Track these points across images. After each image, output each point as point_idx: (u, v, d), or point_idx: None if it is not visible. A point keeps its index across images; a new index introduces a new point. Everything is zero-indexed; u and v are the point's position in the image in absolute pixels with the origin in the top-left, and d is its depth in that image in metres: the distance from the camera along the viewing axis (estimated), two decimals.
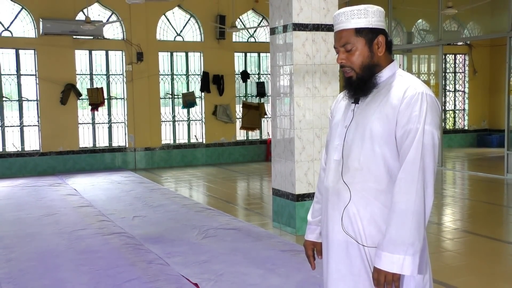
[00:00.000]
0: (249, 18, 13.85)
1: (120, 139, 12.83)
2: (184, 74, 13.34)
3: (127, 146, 12.70)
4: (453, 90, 16.10)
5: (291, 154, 6.44)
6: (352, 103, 2.13)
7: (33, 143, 12.07)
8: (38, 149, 11.98)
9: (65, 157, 12.10)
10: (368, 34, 2.06)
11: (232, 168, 12.58)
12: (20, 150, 11.89)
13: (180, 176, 11.63)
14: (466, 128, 16.29)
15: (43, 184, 10.58)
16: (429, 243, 6.36)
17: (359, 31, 2.06)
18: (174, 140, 13.32)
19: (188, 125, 13.46)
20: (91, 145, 12.54)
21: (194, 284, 4.67)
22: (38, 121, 11.92)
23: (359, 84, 2.09)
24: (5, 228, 7.08)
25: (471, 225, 7.02)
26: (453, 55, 15.96)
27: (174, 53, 13.18)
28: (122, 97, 12.69)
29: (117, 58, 12.62)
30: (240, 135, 13.88)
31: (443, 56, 13.13)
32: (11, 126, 11.91)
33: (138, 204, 8.58)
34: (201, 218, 7.39)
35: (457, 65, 16.06)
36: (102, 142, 12.68)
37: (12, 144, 11.92)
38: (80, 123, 12.33)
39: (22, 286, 4.77)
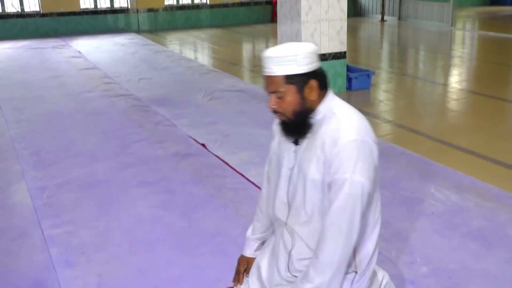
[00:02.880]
0: None
1: (121, 0, 12.46)
2: None
3: (129, 7, 12.36)
4: None
5: (297, 14, 6.26)
6: (291, 142, 2.01)
7: (32, 3, 11.76)
8: (38, 10, 11.69)
9: (67, 18, 11.84)
10: (299, 80, 1.90)
11: (237, 30, 12.34)
12: (19, 10, 11.61)
13: (185, 38, 11.45)
14: None
15: (47, 46, 10.47)
16: (434, 104, 6.36)
17: (289, 78, 1.90)
18: (178, 1, 12.93)
19: None
20: (92, 6, 12.20)
21: (201, 145, 4.78)
22: None
23: (294, 128, 1.98)
24: (12, 90, 7.12)
25: (477, 86, 7.00)
26: None
27: None
28: None
29: None
30: None
31: None
32: None
33: (143, 66, 8.54)
34: (206, 80, 7.38)
35: None
36: (104, 3, 12.33)
37: (11, 5, 11.62)
38: None
39: (34, 145, 4.90)
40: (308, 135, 1.96)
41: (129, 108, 6.06)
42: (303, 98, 1.93)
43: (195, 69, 8.23)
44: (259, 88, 6.90)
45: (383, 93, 6.71)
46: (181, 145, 4.79)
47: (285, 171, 2.05)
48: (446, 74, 7.98)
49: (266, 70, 1.93)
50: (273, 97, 1.94)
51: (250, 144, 4.74)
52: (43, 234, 3.26)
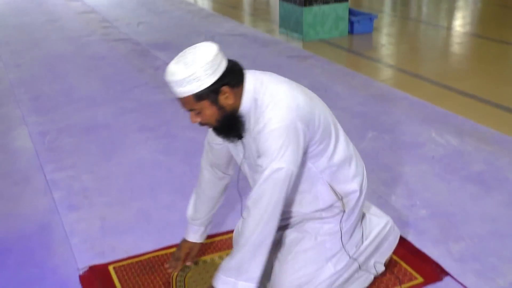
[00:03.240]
0: None
1: None
2: None
3: None
4: None
5: None
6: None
7: None
8: None
9: None
10: (209, 93, 1.81)
11: None
12: None
13: None
14: None
15: None
16: (437, 48, 6.29)
17: (197, 95, 1.81)
18: None
19: None
20: None
21: None
22: None
23: (226, 132, 1.94)
24: (10, 33, 7.04)
25: (481, 29, 6.90)
26: None
27: None
28: None
29: None
30: None
31: None
32: None
33: (141, 10, 8.40)
34: (206, 24, 7.28)
35: None
36: None
37: None
38: None
39: (33, 90, 4.88)
40: (245, 129, 1.92)
41: (129, 53, 6.00)
42: (220, 107, 1.85)
43: (195, 12, 8.10)
44: (259, 32, 6.81)
45: (385, 37, 6.62)
46: None
47: (242, 160, 2.06)
48: (450, 17, 7.86)
49: (173, 91, 1.85)
50: (192, 113, 1.88)
51: None
52: (45, 178, 3.29)
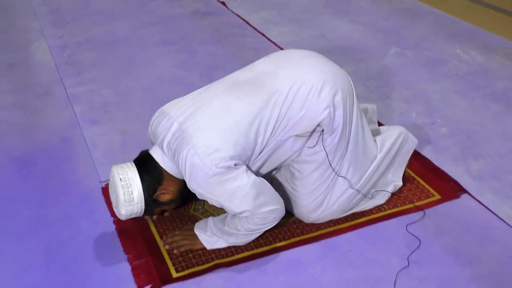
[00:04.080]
0: None
1: None
2: None
3: None
4: None
5: None
6: None
7: None
8: None
9: None
10: (151, 206, 1.90)
11: None
12: None
13: None
14: None
15: None
16: None
17: (147, 213, 1.93)
18: None
19: None
20: None
21: (221, 3, 4.65)
22: None
23: (190, 199, 2.13)
24: None
25: None
26: None
27: None
28: None
29: None
30: None
31: None
32: None
33: None
34: None
35: None
36: None
37: None
38: None
39: (51, 2, 4.80)
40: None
41: None
42: (169, 202, 1.96)
43: None
44: None
45: None
46: (201, 3, 4.66)
47: None
48: None
49: None
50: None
51: (271, 3, 4.59)
52: (66, 92, 3.30)
